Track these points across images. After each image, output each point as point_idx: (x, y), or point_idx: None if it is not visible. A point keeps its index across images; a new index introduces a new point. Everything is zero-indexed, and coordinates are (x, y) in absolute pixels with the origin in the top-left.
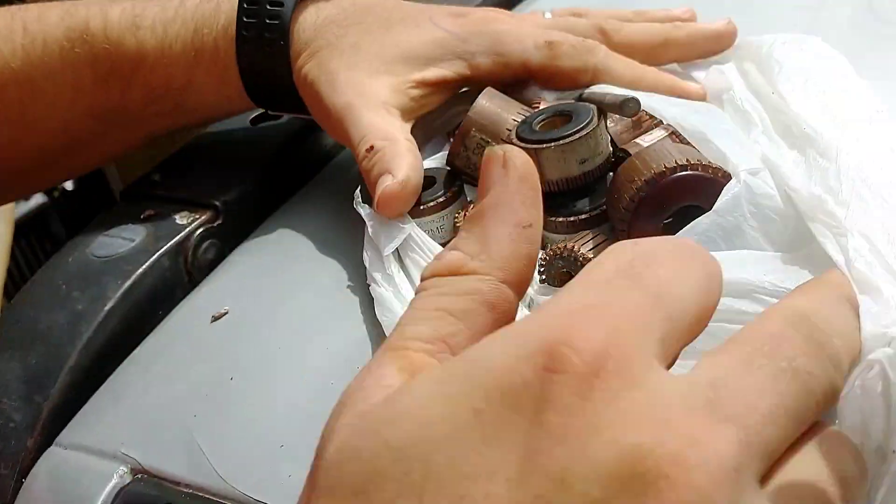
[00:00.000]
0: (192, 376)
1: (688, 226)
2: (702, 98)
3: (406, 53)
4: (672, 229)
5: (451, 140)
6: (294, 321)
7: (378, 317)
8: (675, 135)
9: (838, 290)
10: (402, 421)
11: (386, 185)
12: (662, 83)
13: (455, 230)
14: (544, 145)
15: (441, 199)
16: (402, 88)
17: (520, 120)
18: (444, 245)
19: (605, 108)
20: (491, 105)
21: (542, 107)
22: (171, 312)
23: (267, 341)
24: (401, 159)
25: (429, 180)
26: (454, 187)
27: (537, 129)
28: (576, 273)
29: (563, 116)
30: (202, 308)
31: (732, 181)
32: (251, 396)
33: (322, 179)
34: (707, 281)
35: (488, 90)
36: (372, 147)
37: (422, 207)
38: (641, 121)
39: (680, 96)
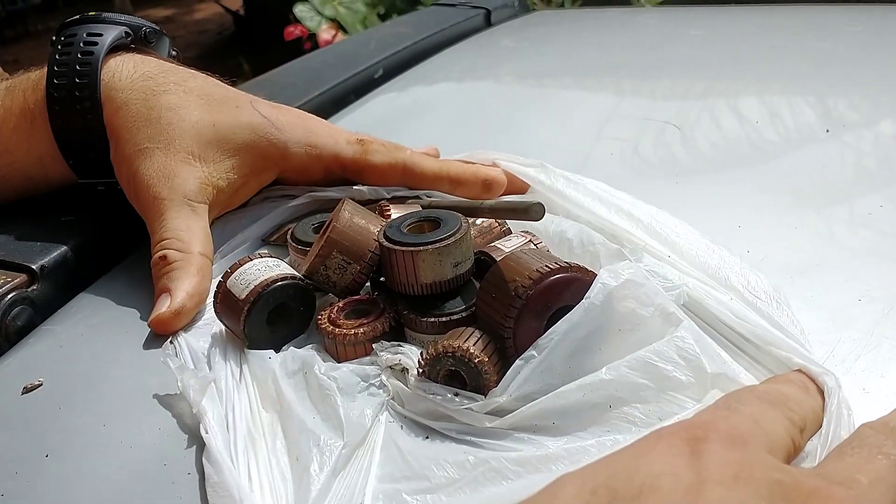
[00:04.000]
0: (0, 452)
1: (563, 319)
2: (503, 182)
3: (222, 136)
4: (549, 326)
5: (310, 253)
6: (119, 396)
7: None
8: (533, 241)
9: None
10: None
11: (160, 310)
12: (467, 170)
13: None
14: (421, 247)
15: None
16: (212, 181)
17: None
18: None
19: (497, 212)
20: (353, 222)
21: (393, 214)
22: None
23: (89, 416)
24: (186, 281)
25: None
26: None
27: (406, 232)
28: (464, 370)
29: (430, 222)
30: (13, 378)
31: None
32: (70, 476)
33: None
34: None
35: (348, 203)
36: (165, 257)
37: None
38: (493, 228)
39: (484, 182)
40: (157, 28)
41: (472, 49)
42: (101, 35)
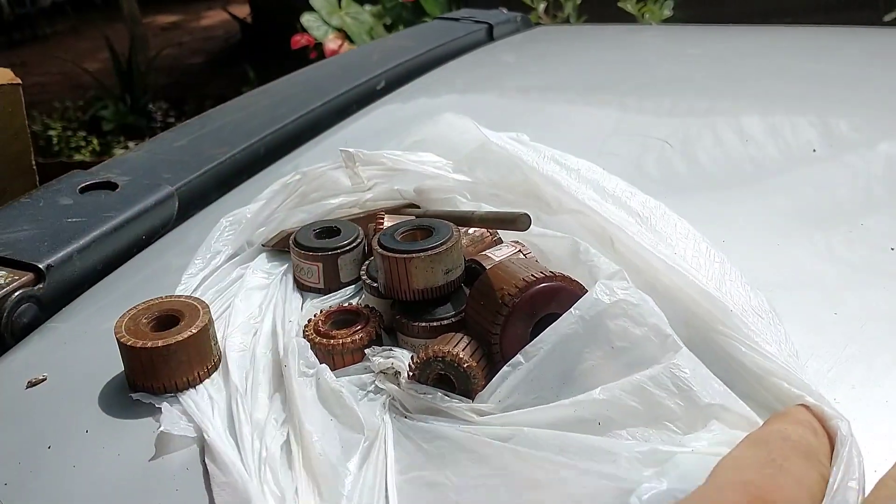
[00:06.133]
0: (4, 444)
1: (550, 328)
2: None
3: None
4: (535, 334)
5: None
6: (120, 392)
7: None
8: (521, 251)
9: None
10: None
11: None
12: None
13: None
14: (414, 254)
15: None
16: None
17: None
18: None
19: (487, 222)
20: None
21: (386, 223)
22: None
23: (90, 411)
24: None
25: None
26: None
27: (399, 239)
28: (453, 374)
29: (422, 230)
30: (18, 373)
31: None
32: (70, 467)
33: (150, 255)
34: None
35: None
36: None
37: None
38: (484, 238)
39: None
40: None
41: (473, 63)
42: None
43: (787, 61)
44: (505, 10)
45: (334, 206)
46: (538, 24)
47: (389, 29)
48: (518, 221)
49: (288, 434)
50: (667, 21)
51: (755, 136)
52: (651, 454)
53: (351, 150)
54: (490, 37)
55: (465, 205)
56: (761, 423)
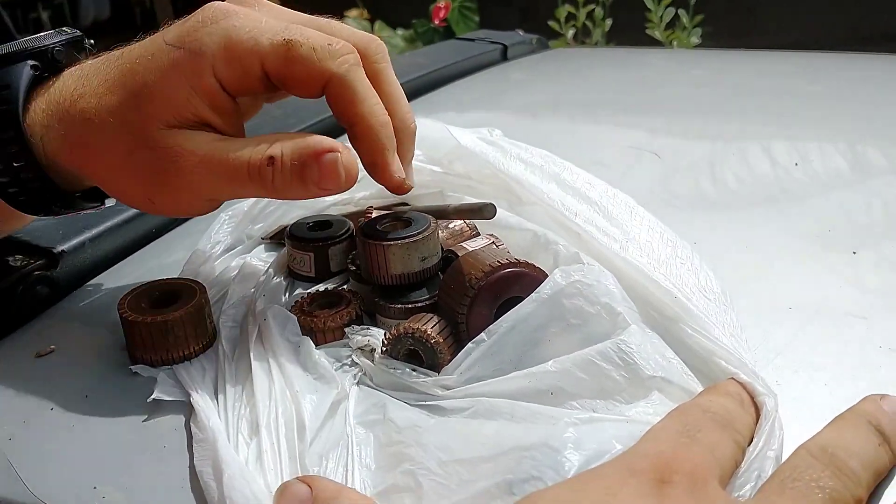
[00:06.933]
0: (11, 405)
1: (513, 309)
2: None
3: (150, 103)
4: (499, 315)
5: None
6: (124, 364)
7: None
8: (495, 242)
9: (857, 417)
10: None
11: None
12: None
13: None
14: (391, 242)
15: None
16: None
17: None
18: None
19: (460, 213)
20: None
21: (373, 214)
22: None
23: (93, 378)
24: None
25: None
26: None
27: (380, 229)
28: (422, 350)
29: (402, 221)
30: (28, 345)
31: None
32: (71, 425)
33: (158, 246)
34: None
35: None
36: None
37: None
38: (463, 231)
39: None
40: (64, 39)
41: (482, 80)
42: (8, 88)
43: (816, 86)
44: (521, 32)
45: (329, 204)
46: (568, 44)
47: None
48: (484, 210)
49: (270, 392)
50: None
51: (796, 158)
52: (588, 421)
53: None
54: (504, 57)
55: (447, 199)
56: None
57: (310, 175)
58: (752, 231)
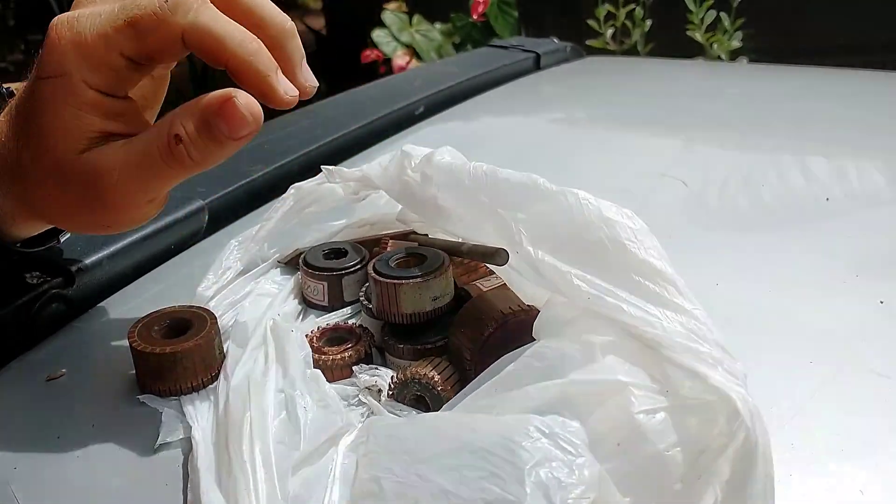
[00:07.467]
0: (18, 431)
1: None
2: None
3: (51, 139)
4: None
5: None
6: (130, 390)
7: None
8: (506, 285)
9: None
10: None
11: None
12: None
13: None
14: (403, 281)
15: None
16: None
17: None
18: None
19: (473, 254)
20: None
21: (389, 248)
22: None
23: (100, 406)
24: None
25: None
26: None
27: (393, 266)
28: (428, 396)
29: (416, 257)
30: (39, 367)
31: None
32: (75, 458)
33: (176, 264)
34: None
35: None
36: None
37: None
38: (477, 266)
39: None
40: None
41: (513, 91)
42: None
43: (854, 104)
44: (556, 40)
45: (342, 226)
46: (604, 49)
47: (458, 48)
48: (496, 256)
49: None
50: (736, 52)
51: (833, 177)
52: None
53: (332, 167)
54: (537, 66)
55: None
56: None
57: (218, 131)
58: (784, 252)
